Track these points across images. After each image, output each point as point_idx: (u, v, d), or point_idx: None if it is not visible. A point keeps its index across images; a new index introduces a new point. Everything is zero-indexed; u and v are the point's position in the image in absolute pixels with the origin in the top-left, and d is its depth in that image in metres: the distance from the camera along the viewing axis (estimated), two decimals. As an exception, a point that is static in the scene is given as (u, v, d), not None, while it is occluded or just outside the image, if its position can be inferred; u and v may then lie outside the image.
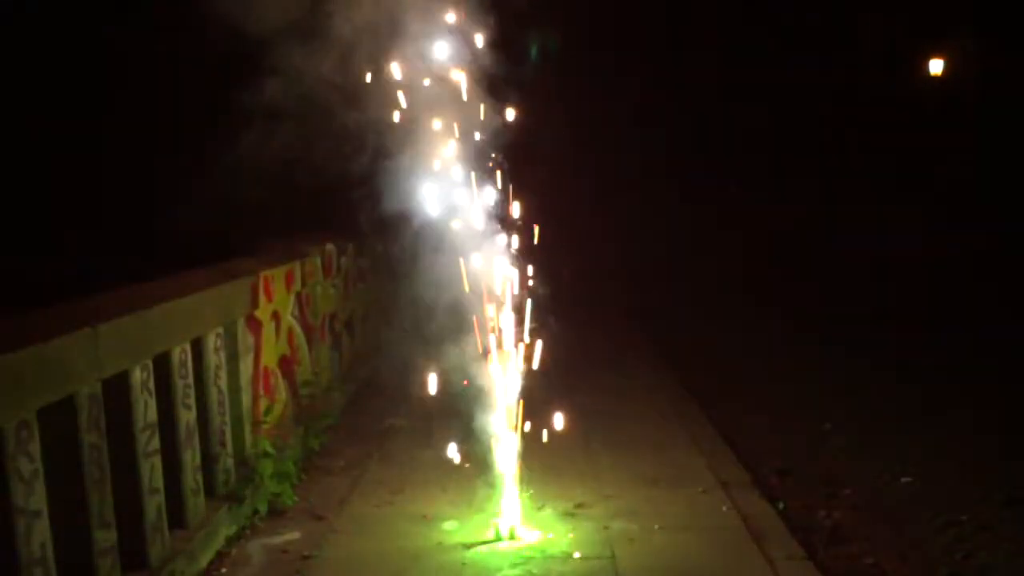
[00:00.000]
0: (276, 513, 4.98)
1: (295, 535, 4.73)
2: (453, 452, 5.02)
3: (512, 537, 4.61)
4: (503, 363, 4.67)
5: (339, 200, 5.72)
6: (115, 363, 3.60)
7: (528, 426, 4.84)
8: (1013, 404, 7.08)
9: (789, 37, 16.66)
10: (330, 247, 7.41)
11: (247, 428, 5.10)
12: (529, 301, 4.74)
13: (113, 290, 4.07)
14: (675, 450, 6.09)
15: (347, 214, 5.90)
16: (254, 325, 5.40)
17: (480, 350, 4.70)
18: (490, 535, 4.63)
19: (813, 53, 16.75)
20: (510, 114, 4.74)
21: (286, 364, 6.06)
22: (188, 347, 4.36)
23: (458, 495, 5.23)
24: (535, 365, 4.79)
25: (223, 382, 4.79)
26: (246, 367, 5.15)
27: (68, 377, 3.26)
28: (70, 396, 3.30)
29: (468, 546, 4.55)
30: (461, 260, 4.56)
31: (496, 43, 4.57)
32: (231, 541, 4.62)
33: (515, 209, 4.73)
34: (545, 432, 4.94)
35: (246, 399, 5.11)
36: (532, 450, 4.99)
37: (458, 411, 4.92)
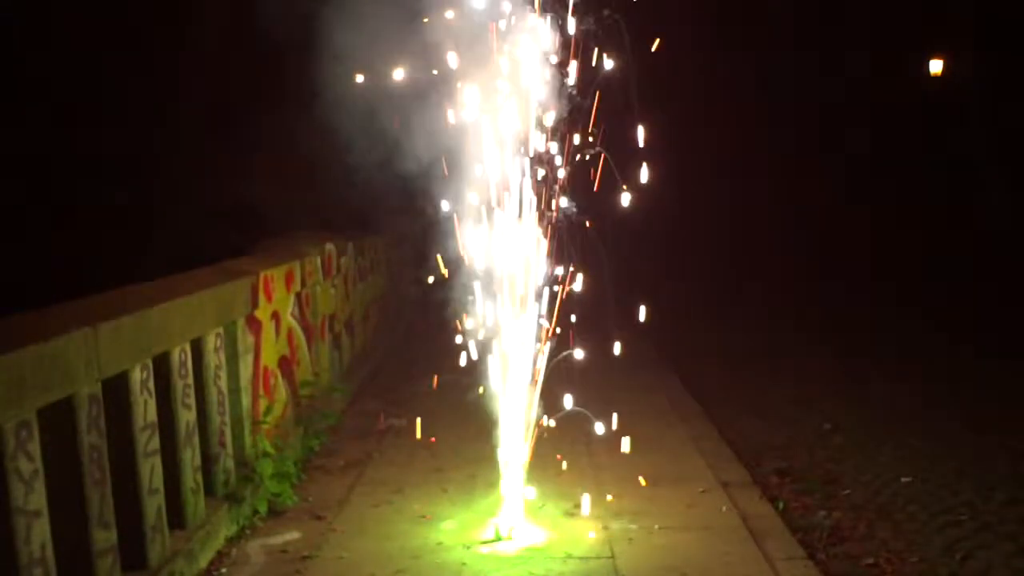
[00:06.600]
0: (276, 513, 4.98)
1: (295, 535, 4.73)
2: (453, 451, 5.02)
3: (512, 537, 4.61)
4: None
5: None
6: (115, 363, 3.60)
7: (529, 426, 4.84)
8: (1013, 404, 7.09)
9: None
10: (330, 247, 7.41)
11: (247, 428, 5.09)
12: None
13: (113, 290, 4.07)
14: (676, 449, 6.09)
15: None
16: (254, 325, 5.40)
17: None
18: (490, 535, 4.63)
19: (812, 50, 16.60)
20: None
21: (286, 364, 6.06)
22: (188, 347, 4.35)
23: (458, 495, 5.23)
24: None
25: (223, 382, 4.79)
26: (246, 367, 5.15)
27: (68, 377, 3.26)
28: (70, 396, 3.30)
29: (468, 546, 4.54)
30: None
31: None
32: (231, 541, 4.62)
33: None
34: (546, 431, 4.94)
35: (246, 399, 5.10)
36: (531, 450, 4.99)
37: (457, 410, 4.91)
